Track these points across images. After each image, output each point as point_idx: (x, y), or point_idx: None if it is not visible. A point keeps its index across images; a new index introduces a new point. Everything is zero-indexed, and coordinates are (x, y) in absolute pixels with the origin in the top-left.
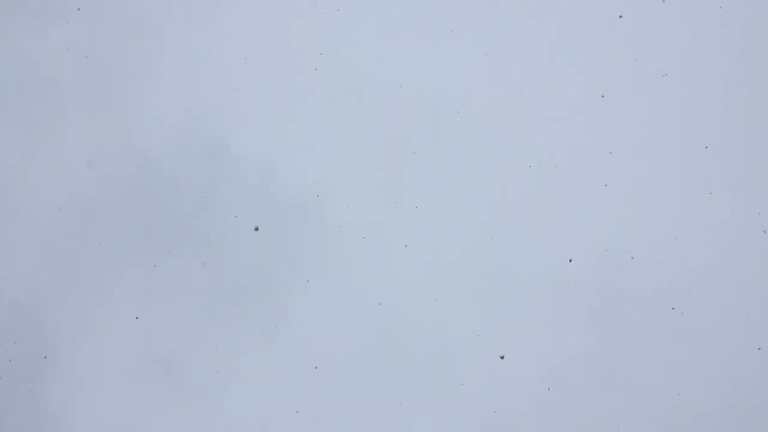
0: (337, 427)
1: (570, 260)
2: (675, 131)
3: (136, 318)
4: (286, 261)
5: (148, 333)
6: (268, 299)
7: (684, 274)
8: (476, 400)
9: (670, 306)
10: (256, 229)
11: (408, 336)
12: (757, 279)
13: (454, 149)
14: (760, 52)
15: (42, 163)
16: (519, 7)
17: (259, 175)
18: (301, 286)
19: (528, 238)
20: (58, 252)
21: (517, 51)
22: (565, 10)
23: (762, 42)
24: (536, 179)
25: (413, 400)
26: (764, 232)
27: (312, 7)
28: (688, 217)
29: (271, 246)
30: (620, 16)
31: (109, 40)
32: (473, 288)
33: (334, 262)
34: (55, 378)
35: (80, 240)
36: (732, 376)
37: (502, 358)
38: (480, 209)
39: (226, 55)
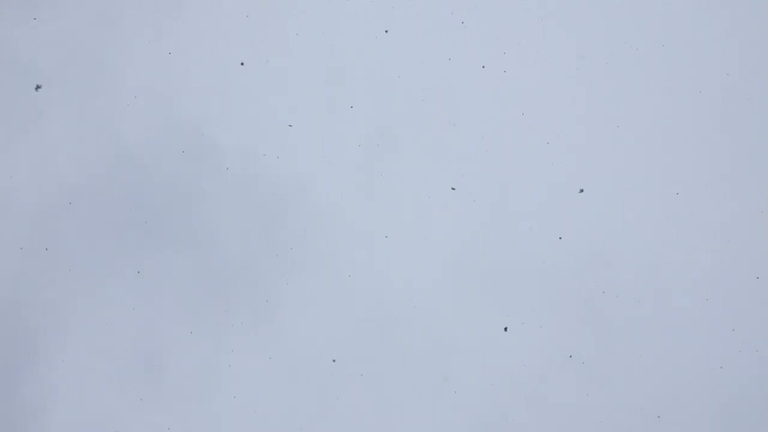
0: (326, 422)
1: (559, 246)
2: (664, 132)
3: (118, 314)
4: (272, 254)
5: (130, 330)
6: (255, 294)
7: (671, 273)
8: (463, 395)
9: (655, 305)
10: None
11: (396, 330)
12: (745, 277)
13: (440, 141)
14: (759, 52)
15: (21, 154)
16: None
17: (241, 165)
18: (288, 280)
19: (514, 231)
20: (37, 245)
21: (504, 44)
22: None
23: (762, 42)
24: (523, 173)
25: (402, 394)
26: (753, 230)
27: None
28: (673, 217)
29: (256, 238)
30: (615, 16)
31: (89, 29)
32: (458, 282)
33: (320, 254)
34: (34, 375)
35: (60, 233)
36: (720, 375)
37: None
38: (465, 203)
39: (206, 44)
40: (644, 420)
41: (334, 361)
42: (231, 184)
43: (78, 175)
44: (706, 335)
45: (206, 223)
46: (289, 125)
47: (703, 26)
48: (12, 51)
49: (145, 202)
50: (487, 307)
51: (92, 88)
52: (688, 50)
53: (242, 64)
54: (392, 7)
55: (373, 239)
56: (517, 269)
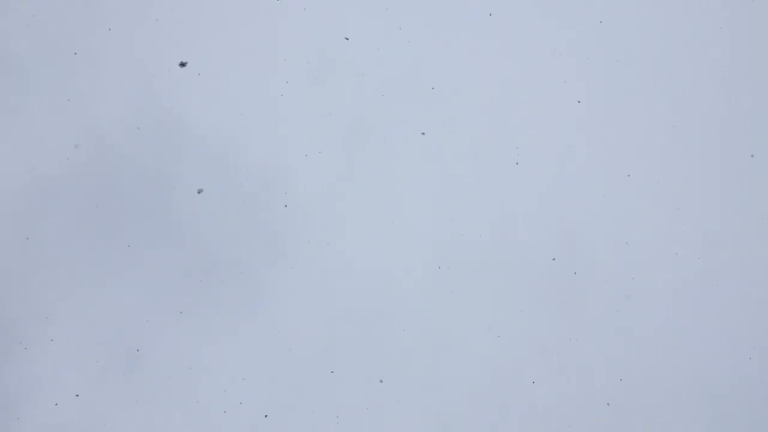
0: (314, 413)
1: (532, 242)
2: (637, 114)
3: (100, 306)
4: (254, 242)
5: (112, 322)
6: (239, 285)
7: (641, 260)
8: (442, 379)
9: (625, 291)
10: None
11: (380, 320)
12: (716, 261)
13: (417, 128)
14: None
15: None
16: None
17: (219, 152)
18: (272, 270)
19: (491, 218)
20: (17, 236)
21: (480, 34)
22: None
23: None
24: (497, 159)
25: (388, 382)
26: (723, 217)
27: None
28: (647, 204)
29: (237, 226)
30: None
31: (68, 16)
32: (440, 273)
33: (305, 244)
34: (13, 366)
35: (40, 224)
36: (689, 358)
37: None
38: (448, 194)
39: (184, 32)
40: (618, 401)
41: (319, 351)
42: (213, 175)
43: (57, 166)
44: (678, 319)
45: (188, 213)
46: (275, 112)
47: (698, 24)
48: None
49: (126, 193)
50: (471, 298)
51: (70, 78)
52: (681, 50)
53: (218, 54)
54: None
55: (356, 229)
56: (502, 260)
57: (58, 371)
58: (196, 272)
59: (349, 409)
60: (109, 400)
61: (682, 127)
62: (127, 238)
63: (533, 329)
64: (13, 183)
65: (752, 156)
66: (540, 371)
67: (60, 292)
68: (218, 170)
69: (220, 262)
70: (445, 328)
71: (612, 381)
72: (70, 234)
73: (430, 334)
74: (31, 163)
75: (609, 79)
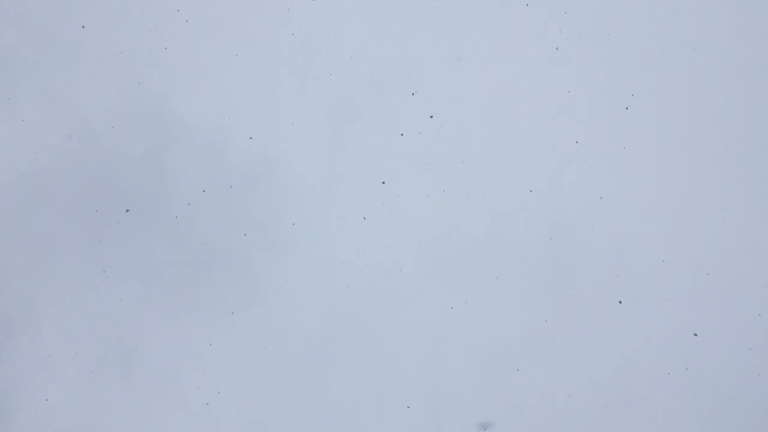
0: (308, 407)
1: (523, 235)
2: (636, 113)
3: (92, 301)
4: (249, 237)
5: (105, 317)
6: (233, 279)
7: (639, 257)
8: (437, 376)
9: (623, 289)
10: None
11: (374, 310)
12: (717, 261)
13: (414, 122)
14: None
15: None
16: None
17: (213, 145)
18: (267, 264)
19: (488, 213)
20: (7, 230)
21: (477, 31)
22: None
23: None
24: (493, 153)
25: (384, 377)
26: (723, 216)
27: None
28: (645, 201)
29: (232, 221)
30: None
31: (61, 9)
32: (431, 259)
33: (296, 233)
34: (3, 365)
35: (30, 219)
36: (688, 357)
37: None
38: (436, 181)
39: (177, 24)
40: (607, 397)
41: (317, 347)
42: (207, 168)
43: (46, 159)
44: (683, 321)
45: (183, 207)
46: (271, 104)
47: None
48: None
49: (119, 187)
50: (461, 286)
51: (63, 70)
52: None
53: (206, 43)
54: None
55: (352, 223)
56: (499, 255)
57: (51, 368)
58: (192, 267)
59: (348, 406)
60: (103, 397)
61: (683, 127)
62: (120, 232)
63: (530, 326)
64: (4, 176)
65: (753, 156)
66: (539, 370)
67: (52, 288)
68: (212, 163)
69: (216, 257)
70: (440, 323)
71: (610, 379)
72: (62, 228)
73: (426, 329)
74: (22, 156)
75: (608, 77)
